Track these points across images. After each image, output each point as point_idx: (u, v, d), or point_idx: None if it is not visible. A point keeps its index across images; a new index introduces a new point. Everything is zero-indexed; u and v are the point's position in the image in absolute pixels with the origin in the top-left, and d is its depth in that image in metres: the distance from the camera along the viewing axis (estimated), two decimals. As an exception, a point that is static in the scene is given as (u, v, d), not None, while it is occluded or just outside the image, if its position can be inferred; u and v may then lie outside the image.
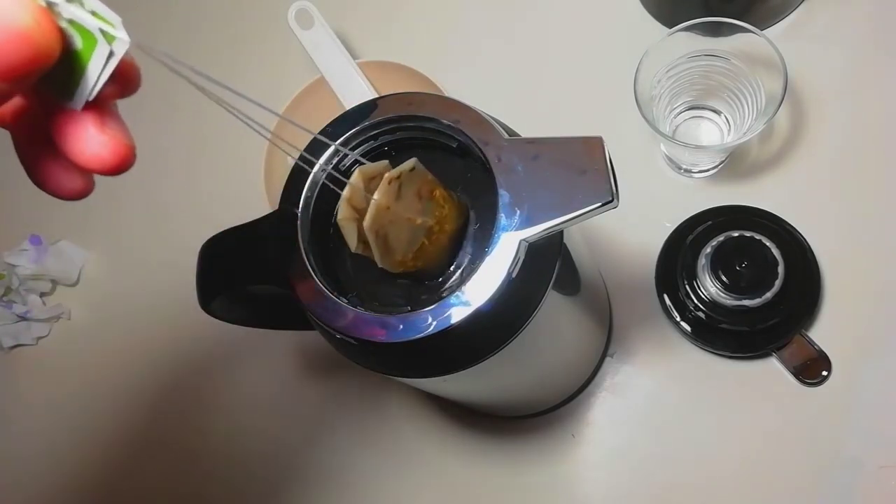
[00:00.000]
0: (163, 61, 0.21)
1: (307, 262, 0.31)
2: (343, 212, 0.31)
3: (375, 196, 0.30)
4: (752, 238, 0.46)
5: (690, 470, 0.48)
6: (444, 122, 0.32)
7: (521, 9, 0.61)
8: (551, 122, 0.56)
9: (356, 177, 0.30)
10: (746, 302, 0.46)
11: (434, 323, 0.29)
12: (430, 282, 0.33)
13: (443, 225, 0.32)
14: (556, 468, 0.50)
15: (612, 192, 0.28)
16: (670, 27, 0.47)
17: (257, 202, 0.54)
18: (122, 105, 0.23)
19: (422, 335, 0.29)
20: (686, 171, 0.53)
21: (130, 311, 0.62)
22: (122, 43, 0.20)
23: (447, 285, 0.32)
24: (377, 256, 0.31)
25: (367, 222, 0.30)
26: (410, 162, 0.31)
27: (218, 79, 0.23)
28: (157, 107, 0.67)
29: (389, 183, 0.30)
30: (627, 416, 0.50)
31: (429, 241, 0.32)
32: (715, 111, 0.52)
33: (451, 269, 0.32)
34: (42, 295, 0.64)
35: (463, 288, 0.29)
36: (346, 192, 0.31)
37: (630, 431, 0.50)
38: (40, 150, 0.22)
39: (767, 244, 0.46)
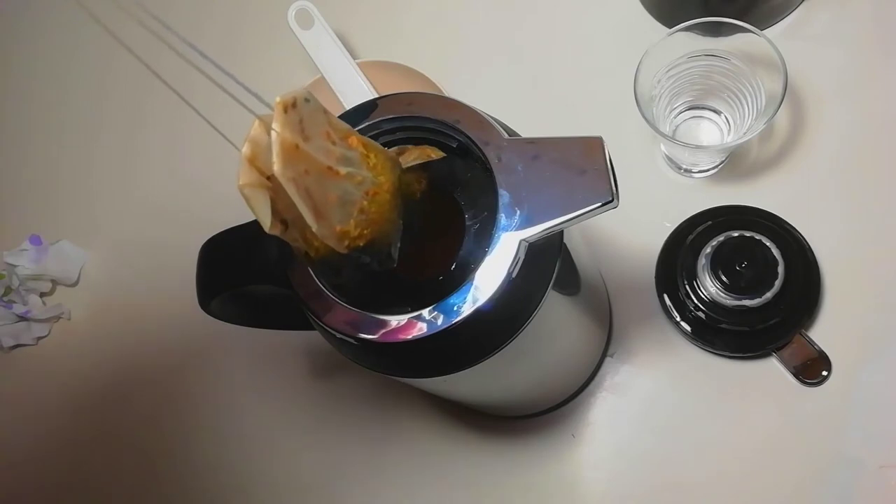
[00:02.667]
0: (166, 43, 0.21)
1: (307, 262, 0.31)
2: (246, 175, 0.23)
3: (275, 127, 0.22)
4: (752, 238, 0.46)
5: (690, 470, 0.48)
6: (444, 122, 0.32)
7: (521, 9, 0.61)
8: (551, 122, 0.56)
9: (257, 127, 0.23)
10: (746, 302, 0.46)
11: (434, 323, 0.29)
12: (429, 281, 0.32)
13: (377, 177, 0.27)
14: (556, 468, 0.50)
15: (612, 192, 0.28)
16: (670, 27, 0.47)
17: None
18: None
19: (422, 335, 0.29)
20: (686, 171, 0.53)
21: (130, 311, 0.62)
22: None
23: (447, 285, 0.32)
24: (309, 218, 0.24)
25: (277, 166, 0.22)
26: (303, 91, 0.24)
27: (219, 74, 0.23)
28: (158, 107, 0.67)
29: (286, 111, 0.23)
30: (627, 415, 0.50)
31: (368, 201, 0.26)
32: (715, 111, 0.52)
33: (452, 268, 0.32)
34: (42, 295, 0.64)
35: (463, 288, 0.29)
36: (246, 150, 0.23)
37: (630, 431, 0.50)
38: None
39: (767, 244, 0.46)
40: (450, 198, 0.33)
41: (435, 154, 0.31)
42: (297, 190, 0.23)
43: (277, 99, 0.23)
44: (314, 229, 0.24)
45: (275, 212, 0.25)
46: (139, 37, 0.25)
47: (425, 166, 0.31)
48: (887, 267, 0.48)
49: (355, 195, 0.26)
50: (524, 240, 0.29)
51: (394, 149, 0.31)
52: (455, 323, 0.28)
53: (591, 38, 0.59)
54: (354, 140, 0.27)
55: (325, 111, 0.26)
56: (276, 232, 0.25)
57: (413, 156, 0.31)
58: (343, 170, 0.25)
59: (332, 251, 0.27)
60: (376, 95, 0.45)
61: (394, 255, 0.30)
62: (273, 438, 0.56)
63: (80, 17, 0.72)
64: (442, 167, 0.32)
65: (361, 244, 0.27)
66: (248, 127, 0.26)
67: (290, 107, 0.24)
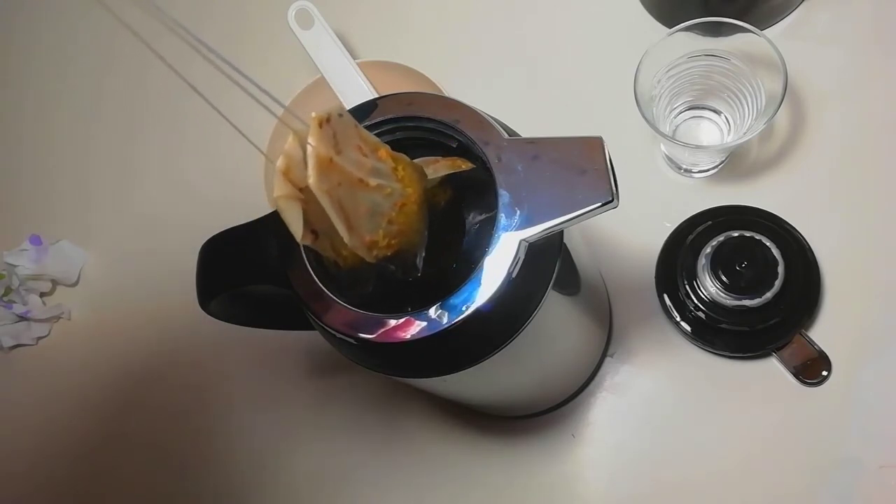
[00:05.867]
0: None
1: (307, 262, 0.31)
2: (281, 187, 0.25)
3: (311, 141, 0.24)
4: (752, 238, 0.46)
5: (690, 470, 0.48)
6: (444, 122, 0.32)
7: (521, 9, 0.61)
8: (551, 122, 0.56)
9: (292, 142, 0.25)
10: (746, 302, 0.46)
11: (434, 323, 0.29)
12: (429, 281, 0.32)
13: (405, 189, 0.28)
14: (556, 468, 0.50)
15: (612, 192, 0.28)
16: (670, 27, 0.47)
17: (257, 202, 0.54)
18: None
19: (421, 335, 0.29)
20: (686, 171, 0.53)
21: (130, 311, 0.62)
22: None
23: (447, 285, 0.32)
24: (342, 230, 0.25)
25: (312, 179, 0.24)
26: (337, 106, 0.26)
27: (221, 75, 0.23)
28: (159, 107, 0.67)
29: (321, 126, 0.24)
30: (627, 415, 0.50)
31: (396, 212, 0.27)
32: (715, 111, 0.52)
33: (452, 268, 0.32)
34: (42, 295, 0.64)
35: (463, 288, 0.29)
36: (280, 163, 0.25)
37: (630, 431, 0.50)
38: None
39: (767, 244, 0.46)
40: (453, 201, 0.33)
41: (465, 165, 0.31)
42: (331, 202, 0.24)
43: (313, 114, 0.24)
44: (346, 240, 0.25)
45: (306, 222, 0.26)
46: (144, 34, 0.25)
47: (451, 178, 0.31)
48: (887, 267, 0.48)
49: (384, 206, 0.27)
50: (524, 240, 0.29)
51: (421, 159, 0.31)
52: (455, 323, 0.28)
53: (591, 38, 0.59)
54: (384, 153, 0.28)
55: (357, 125, 0.27)
56: (308, 242, 0.26)
57: (444, 166, 0.31)
58: (373, 181, 0.26)
59: (360, 261, 0.28)
60: (376, 95, 0.45)
61: (418, 264, 0.30)
62: (272, 438, 0.56)
63: (80, 15, 0.72)
64: (467, 178, 0.32)
65: (389, 254, 0.28)
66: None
67: (325, 122, 0.25)
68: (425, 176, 0.30)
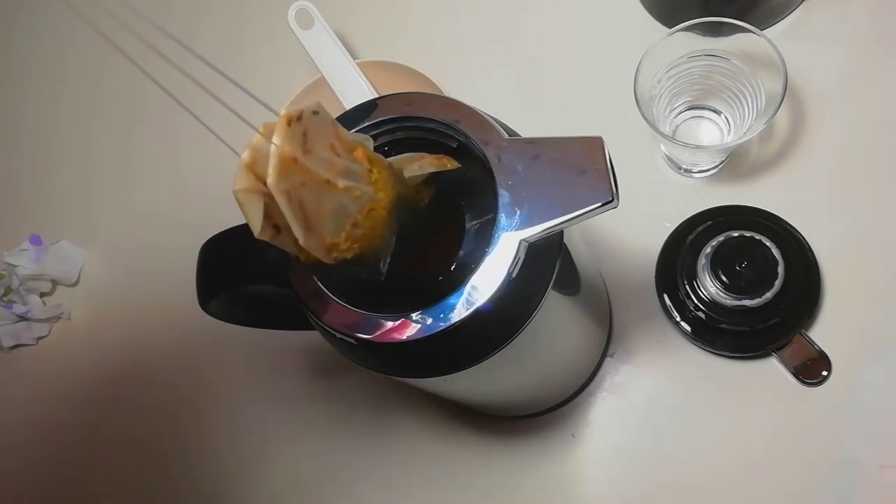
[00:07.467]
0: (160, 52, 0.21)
1: (307, 262, 0.31)
2: (242, 180, 0.24)
3: (275, 140, 0.23)
4: (752, 238, 0.46)
5: (690, 470, 0.48)
6: (444, 122, 0.32)
7: (521, 9, 0.61)
8: (551, 122, 0.56)
9: (260, 136, 0.24)
10: (746, 302, 0.46)
11: (434, 323, 0.29)
12: (430, 281, 0.32)
13: (377, 193, 0.27)
14: (556, 468, 0.50)
15: (612, 192, 0.28)
16: (670, 27, 0.47)
17: (257, 202, 0.54)
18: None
19: (422, 335, 0.29)
20: (686, 171, 0.53)
21: (130, 311, 0.62)
22: None
23: (447, 285, 0.32)
24: (298, 231, 0.24)
25: (271, 179, 0.23)
26: (313, 104, 0.25)
27: (217, 80, 0.23)
28: (158, 106, 0.67)
29: (289, 124, 0.23)
30: (627, 415, 0.50)
31: (363, 216, 0.27)
32: (715, 111, 0.52)
33: (452, 268, 0.32)
34: (42, 295, 0.64)
35: (463, 288, 0.29)
36: (245, 156, 0.24)
37: (630, 431, 0.50)
38: None
39: (767, 244, 0.46)
40: (452, 201, 0.33)
41: (450, 164, 0.31)
42: (289, 202, 0.23)
43: (282, 112, 0.23)
44: (301, 242, 0.25)
45: (268, 217, 0.25)
46: (137, 38, 0.25)
47: (437, 177, 0.31)
48: (887, 267, 0.48)
49: (351, 209, 0.26)
50: (524, 240, 0.29)
51: (407, 155, 0.31)
52: (455, 323, 0.28)
53: (591, 38, 0.59)
54: (360, 153, 0.27)
55: (334, 123, 0.26)
56: (266, 237, 0.25)
57: (429, 163, 0.31)
58: (342, 183, 0.25)
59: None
60: (376, 95, 0.45)
61: (382, 269, 0.30)
62: (272, 438, 0.56)
63: (78, 17, 0.72)
64: (453, 178, 0.31)
65: (349, 257, 0.28)
66: (245, 130, 0.26)
67: (295, 120, 0.24)
68: (402, 180, 0.29)
